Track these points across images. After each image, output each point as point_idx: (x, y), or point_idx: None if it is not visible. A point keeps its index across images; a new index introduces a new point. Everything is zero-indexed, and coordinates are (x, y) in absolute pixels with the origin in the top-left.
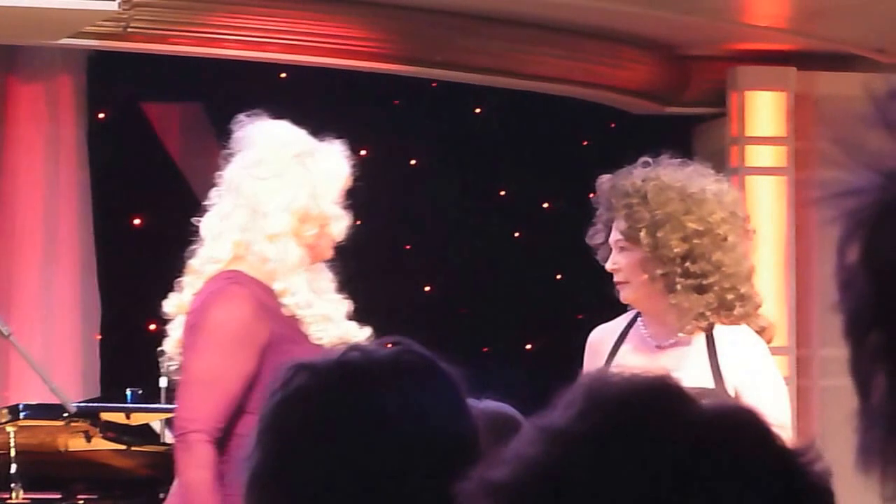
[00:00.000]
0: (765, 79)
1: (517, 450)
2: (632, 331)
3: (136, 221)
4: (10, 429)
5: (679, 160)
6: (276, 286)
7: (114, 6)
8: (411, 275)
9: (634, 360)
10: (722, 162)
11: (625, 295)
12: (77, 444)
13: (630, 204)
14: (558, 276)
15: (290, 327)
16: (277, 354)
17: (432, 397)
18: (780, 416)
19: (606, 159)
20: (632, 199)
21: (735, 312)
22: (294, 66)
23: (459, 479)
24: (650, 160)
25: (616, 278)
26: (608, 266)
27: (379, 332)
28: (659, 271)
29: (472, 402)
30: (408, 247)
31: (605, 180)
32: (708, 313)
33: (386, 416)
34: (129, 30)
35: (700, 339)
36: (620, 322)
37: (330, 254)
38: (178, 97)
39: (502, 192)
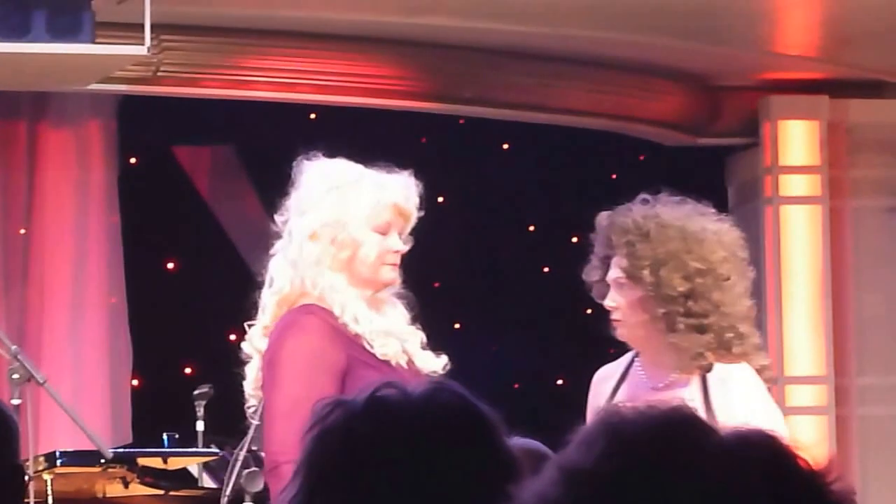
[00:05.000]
0: (797, 108)
1: (540, 491)
2: (630, 371)
3: (170, 265)
4: (46, 476)
5: (678, 198)
6: (335, 309)
7: (143, 50)
8: (440, 311)
9: (631, 402)
10: (755, 192)
11: (621, 333)
12: (114, 490)
13: (632, 241)
14: (588, 311)
15: (363, 350)
16: (356, 380)
17: (467, 436)
18: None
19: (636, 192)
20: (633, 237)
21: (734, 351)
22: (323, 106)
23: None
24: (648, 197)
25: (614, 316)
26: (607, 304)
27: None
28: (660, 310)
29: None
30: (436, 284)
31: (603, 217)
32: (707, 353)
33: (417, 455)
34: (159, 74)
35: (696, 380)
36: (622, 362)
37: (383, 279)
38: (209, 140)
39: (531, 228)
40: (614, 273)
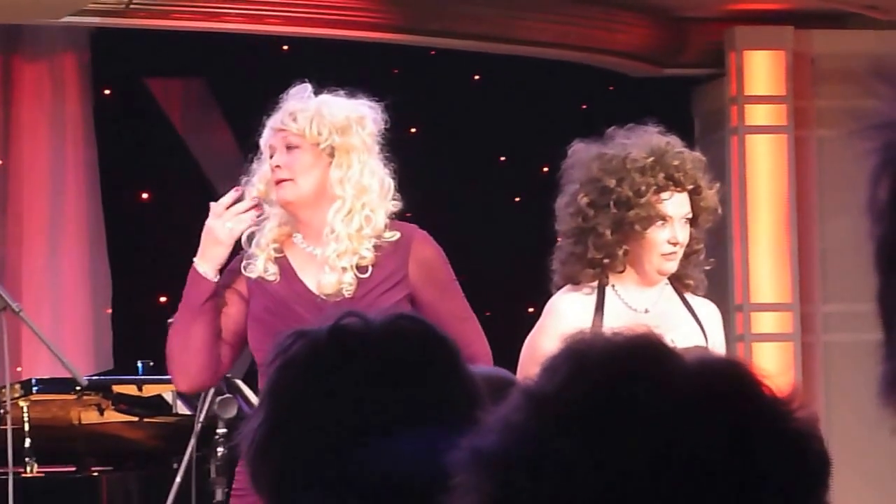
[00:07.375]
0: (762, 38)
1: (505, 417)
2: (608, 300)
3: (144, 195)
4: (23, 403)
5: (657, 128)
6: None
7: None
8: None
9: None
10: (721, 122)
11: (672, 267)
12: (90, 417)
13: (700, 178)
14: (559, 239)
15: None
16: (252, 308)
17: (429, 363)
18: None
19: (605, 122)
20: (701, 175)
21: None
22: (295, 38)
23: (455, 445)
24: (652, 125)
25: (675, 251)
26: (680, 241)
27: None
28: (699, 246)
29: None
30: (408, 214)
31: (660, 151)
32: (694, 281)
33: (380, 383)
34: (132, 6)
35: (677, 304)
36: (586, 294)
37: (281, 200)
38: (182, 72)
39: (502, 158)
40: (682, 209)
